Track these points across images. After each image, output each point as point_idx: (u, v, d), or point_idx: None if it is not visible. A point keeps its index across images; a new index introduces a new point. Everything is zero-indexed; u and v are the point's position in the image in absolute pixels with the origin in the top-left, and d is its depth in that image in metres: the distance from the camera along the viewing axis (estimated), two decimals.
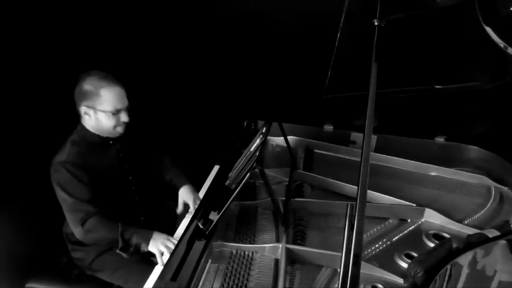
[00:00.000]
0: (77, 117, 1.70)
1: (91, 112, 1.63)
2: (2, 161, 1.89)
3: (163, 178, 2.00)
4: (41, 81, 2.18)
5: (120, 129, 1.69)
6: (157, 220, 1.95)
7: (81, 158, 1.63)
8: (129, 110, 1.70)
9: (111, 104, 1.61)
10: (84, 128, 1.69)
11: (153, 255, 1.55)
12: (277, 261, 1.39)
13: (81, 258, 1.78)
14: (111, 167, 1.75)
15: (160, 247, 1.52)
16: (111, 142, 1.76)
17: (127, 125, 1.71)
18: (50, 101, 2.20)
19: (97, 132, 1.70)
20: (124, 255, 1.60)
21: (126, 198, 1.84)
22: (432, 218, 1.63)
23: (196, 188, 1.95)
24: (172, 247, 1.49)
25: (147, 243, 1.55)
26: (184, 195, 1.89)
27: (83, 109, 1.63)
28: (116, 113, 1.63)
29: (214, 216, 1.44)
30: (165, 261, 1.44)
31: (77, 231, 1.60)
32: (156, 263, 1.52)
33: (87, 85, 1.60)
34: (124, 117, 1.66)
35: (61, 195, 1.60)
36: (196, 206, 1.79)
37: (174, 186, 1.95)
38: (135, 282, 1.65)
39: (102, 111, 1.62)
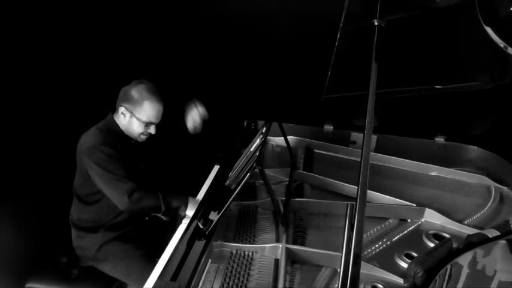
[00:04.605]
0: (77, 118, 1.71)
1: (127, 114, 1.75)
2: (2, 160, 1.89)
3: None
4: (41, 83, 2.18)
5: (143, 138, 1.82)
6: (158, 220, 1.95)
7: (108, 143, 1.72)
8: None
9: (148, 116, 1.74)
10: (114, 121, 1.80)
11: (157, 254, 1.55)
12: (277, 261, 1.39)
13: (86, 246, 1.81)
14: (127, 161, 1.79)
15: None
16: (133, 141, 1.84)
17: (150, 136, 1.82)
18: (50, 100, 2.20)
19: (123, 131, 1.80)
20: (165, 218, 1.77)
21: None
22: (432, 218, 1.63)
23: (197, 188, 1.95)
24: None
25: (186, 206, 1.71)
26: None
27: (121, 109, 1.75)
28: (148, 124, 1.76)
29: (214, 216, 1.44)
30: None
31: (123, 202, 1.67)
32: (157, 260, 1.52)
33: (135, 92, 1.73)
34: (152, 130, 1.79)
35: (100, 173, 1.67)
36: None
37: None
38: (136, 278, 1.69)
39: (137, 118, 1.74)
